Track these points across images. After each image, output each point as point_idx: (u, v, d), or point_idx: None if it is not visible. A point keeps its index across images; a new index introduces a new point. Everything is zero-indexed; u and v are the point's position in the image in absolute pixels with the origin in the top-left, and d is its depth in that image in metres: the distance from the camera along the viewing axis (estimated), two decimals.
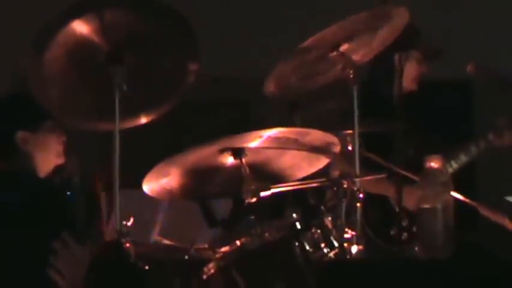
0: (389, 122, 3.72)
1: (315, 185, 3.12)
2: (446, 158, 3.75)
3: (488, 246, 3.51)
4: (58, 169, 3.14)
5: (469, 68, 3.77)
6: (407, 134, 3.79)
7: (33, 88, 3.01)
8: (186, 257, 3.14)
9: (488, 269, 2.58)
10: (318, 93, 3.49)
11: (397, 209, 3.49)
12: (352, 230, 3.08)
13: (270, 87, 3.31)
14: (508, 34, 4.99)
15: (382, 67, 3.83)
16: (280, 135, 3.04)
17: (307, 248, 3.01)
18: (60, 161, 3.07)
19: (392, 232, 3.45)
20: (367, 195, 3.32)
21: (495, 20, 4.99)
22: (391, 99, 3.87)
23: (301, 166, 3.20)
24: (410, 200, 3.50)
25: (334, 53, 3.24)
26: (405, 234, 3.51)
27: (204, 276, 3.01)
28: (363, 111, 3.28)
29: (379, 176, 3.36)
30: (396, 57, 3.78)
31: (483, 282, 2.56)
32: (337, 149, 3.15)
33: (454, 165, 3.77)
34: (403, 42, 3.61)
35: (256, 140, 3.05)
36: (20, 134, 2.97)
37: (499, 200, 3.74)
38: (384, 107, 3.84)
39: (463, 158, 3.78)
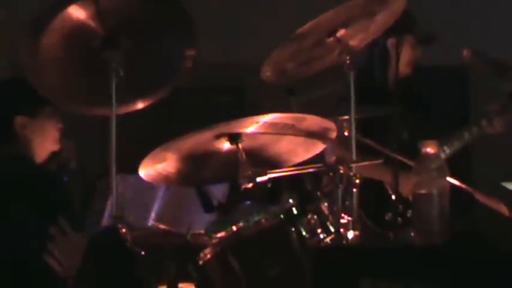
0: (385, 107, 3.73)
1: (311, 170, 3.12)
2: (440, 143, 3.75)
3: (483, 232, 3.52)
4: (54, 155, 3.13)
5: (464, 53, 3.78)
6: (403, 118, 3.80)
7: (29, 74, 3.00)
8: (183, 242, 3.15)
9: (484, 255, 2.59)
10: (314, 78, 3.48)
11: (392, 195, 3.50)
12: (348, 216, 3.09)
13: (266, 72, 3.31)
14: (504, 20, 4.99)
15: (377, 52, 3.84)
16: (277, 120, 3.04)
17: (304, 233, 3.02)
18: (56, 147, 3.07)
19: (387, 217, 3.46)
20: (363, 180, 3.32)
21: (491, 6, 4.99)
22: (386, 84, 3.88)
23: (298, 151, 3.20)
24: (406, 185, 3.51)
25: (331, 39, 3.24)
26: (400, 219, 3.52)
27: (200, 262, 3.02)
28: (359, 96, 3.28)
29: (375, 162, 3.36)
30: (391, 41, 3.80)
31: (479, 267, 2.57)
32: (333, 134, 3.16)
33: (447, 150, 3.78)
34: (398, 27, 3.62)
35: (253, 126, 3.05)
36: (19, 120, 2.97)
37: (495, 185, 3.75)
38: (380, 92, 3.85)
39: (456, 144, 3.80)
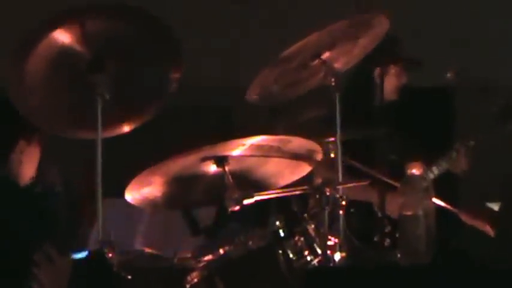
0: (371, 129, 3.76)
1: (297, 192, 3.12)
2: (428, 164, 3.79)
3: (469, 253, 3.53)
4: (40, 178, 3.13)
5: (449, 74, 3.82)
6: (390, 140, 3.83)
7: (15, 99, 2.99)
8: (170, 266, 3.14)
9: (469, 275, 2.60)
10: (300, 100, 3.50)
11: (380, 216, 3.51)
12: (335, 237, 3.09)
13: (252, 94, 3.32)
14: (487, 41, 5.03)
15: (362, 81, 3.92)
16: (263, 143, 3.05)
17: (291, 255, 3.02)
18: (35, 173, 3.10)
19: (375, 238, 3.47)
20: (351, 202, 3.32)
21: (474, 27, 5.03)
22: (373, 107, 3.92)
23: (284, 174, 3.21)
24: (394, 206, 3.52)
25: (316, 61, 3.26)
26: (388, 240, 3.53)
27: (187, 286, 3.01)
28: (346, 118, 3.30)
29: (361, 183, 3.37)
30: (376, 72, 3.88)
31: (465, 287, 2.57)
32: (319, 156, 3.17)
33: (436, 171, 3.81)
34: (382, 58, 3.69)
35: (239, 148, 3.05)
36: (21, 144, 2.99)
37: (480, 206, 3.77)
38: (366, 114, 3.88)
39: (444, 165, 3.83)
